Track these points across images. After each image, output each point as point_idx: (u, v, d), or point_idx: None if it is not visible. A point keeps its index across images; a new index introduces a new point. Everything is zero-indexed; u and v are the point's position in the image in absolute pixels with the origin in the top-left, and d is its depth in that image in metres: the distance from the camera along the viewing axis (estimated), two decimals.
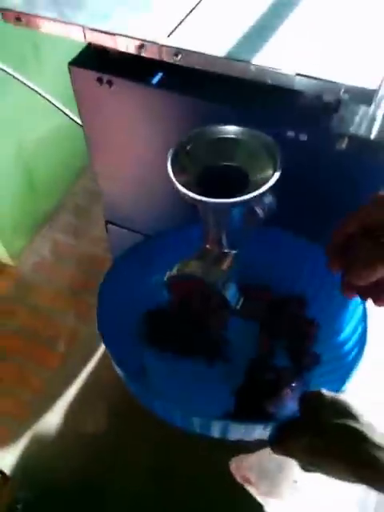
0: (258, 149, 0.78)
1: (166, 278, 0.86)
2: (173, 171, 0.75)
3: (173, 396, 0.92)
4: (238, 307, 0.87)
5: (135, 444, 1.20)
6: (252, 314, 1.09)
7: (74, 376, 1.54)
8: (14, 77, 1.28)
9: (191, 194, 0.71)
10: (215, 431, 0.86)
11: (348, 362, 0.90)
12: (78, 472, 1.25)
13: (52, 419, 1.42)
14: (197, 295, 0.88)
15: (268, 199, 0.93)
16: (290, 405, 0.91)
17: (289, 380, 0.97)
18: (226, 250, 0.87)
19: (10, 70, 1.27)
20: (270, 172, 0.76)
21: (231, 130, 0.78)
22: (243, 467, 0.99)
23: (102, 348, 1.54)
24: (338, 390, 0.81)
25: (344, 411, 0.66)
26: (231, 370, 1.02)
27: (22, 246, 1.94)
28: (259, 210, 0.93)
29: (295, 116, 0.85)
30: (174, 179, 0.72)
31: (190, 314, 0.93)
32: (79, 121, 1.20)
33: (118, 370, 0.88)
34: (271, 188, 0.91)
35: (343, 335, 1.00)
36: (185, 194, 0.73)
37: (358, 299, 0.94)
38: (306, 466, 0.71)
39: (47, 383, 1.54)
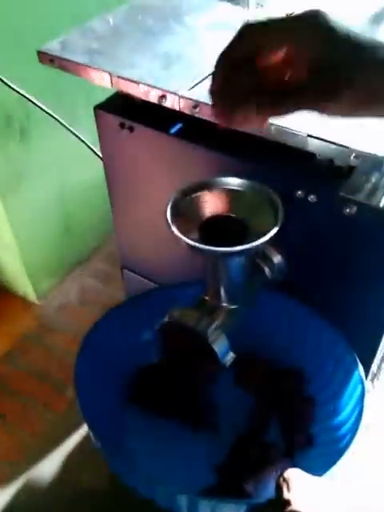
0: (261, 203, 0.78)
1: (157, 325, 0.86)
2: (173, 217, 0.76)
3: (152, 467, 0.90)
4: (228, 364, 0.84)
5: (132, 506, 1.16)
6: (247, 385, 1.07)
7: (79, 424, 1.52)
8: (63, 125, 1.33)
9: (184, 239, 0.72)
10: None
11: (342, 447, 0.85)
12: None
13: (49, 467, 1.40)
14: (187, 345, 0.86)
15: (277, 259, 0.93)
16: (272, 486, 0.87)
17: (276, 459, 0.93)
18: (223, 304, 0.86)
19: (59, 118, 1.32)
20: (272, 226, 0.76)
21: (236, 182, 0.79)
22: None
23: None
24: (324, 472, 0.77)
25: None
26: (217, 440, 0.99)
27: (50, 287, 1.97)
28: (266, 269, 0.93)
29: (306, 177, 0.85)
30: (170, 222, 0.73)
31: (178, 363, 0.91)
32: None
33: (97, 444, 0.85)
34: (278, 248, 0.92)
35: (341, 417, 0.95)
36: (180, 239, 0.73)
37: (357, 378, 0.91)
38: None
39: (50, 427, 1.53)
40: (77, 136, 1.36)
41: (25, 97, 1.27)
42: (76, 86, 1.63)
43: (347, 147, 0.76)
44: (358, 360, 0.93)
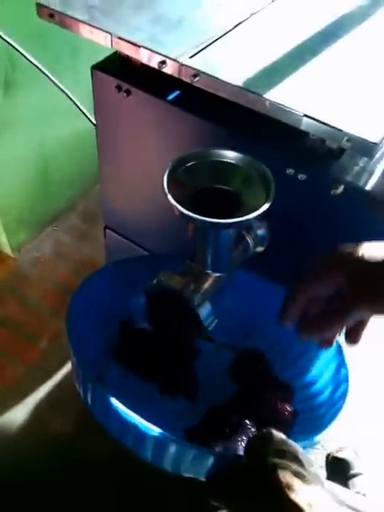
0: (254, 177, 0.80)
1: (146, 287, 0.88)
2: (169, 184, 0.77)
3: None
4: (210, 328, 0.88)
5: (98, 451, 1.20)
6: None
7: (50, 375, 1.56)
8: (47, 76, 1.32)
9: (180, 208, 0.73)
10: (161, 455, 0.86)
11: (322, 425, 0.88)
12: (35, 468, 1.26)
13: (19, 414, 1.44)
14: (172, 309, 0.89)
15: (260, 231, 0.96)
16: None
17: (247, 431, 0.95)
18: (209, 271, 0.89)
19: (44, 69, 1.31)
20: (263, 202, 0.78)
21: (231, 155, 0.81)
22: None
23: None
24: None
25: (291, 457, 0.63)
26: (192, 409, 1.01)
27: (25, 240, 1.97)
28: (250, 240, 0.96)
29: (298, 155, 0.87)
30: (166, 190, 0.75)
31: (163, 326, 0.94)
32: None
33: (78, 375, 0.87)
34: (264, 221, 0.95)
35: (320, 398, 0.99)
36: (175, 207, 0.75)
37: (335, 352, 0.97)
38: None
39: (22, 377, 1.56)
40: (62, 90, 1.36)
41: (12, 46, 1.26)
42: (62, 41, 1.61)
43: (340, 130, 0.78)
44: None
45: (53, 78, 1.34)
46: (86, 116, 1.36)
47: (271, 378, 1.06)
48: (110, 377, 1.02)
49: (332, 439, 1.26)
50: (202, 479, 0.85)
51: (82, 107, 1.38)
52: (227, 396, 1.04)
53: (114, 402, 0.79)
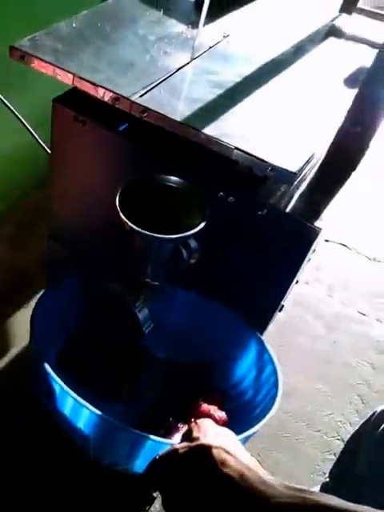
0: (191, 199, 0.95)
1: (91, 292, 1.01)
2: (120, 203, 0.91)
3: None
4: (147, 332, 1.01)
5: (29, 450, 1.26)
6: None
7: None
8: None
9: (130, 224, 0.88)
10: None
11: (255, 421, 1.01)
12: None
13: None
14: (114, 314, 1.02)
15: (193, 244, 1.10)
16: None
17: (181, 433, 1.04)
18: (148, 280, 1.02)
19: None
20: (199, 221, 0.93)
21: (173, 180, 0.96)
22: None
23: (5, 360, 1.61)
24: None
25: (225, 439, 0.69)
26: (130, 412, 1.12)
27: None
28: (185, 253, 1.10)
29: (229, 181, 1.02)
30: (118, 208, 0.88)
31: (105, 331, 1.07)
32: (45, 146, 1.36)
33: (43, 365, 0.97)
34: (196, 237, 1.09)
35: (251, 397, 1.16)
36: (125, 223, 0.89)
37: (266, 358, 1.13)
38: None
39: None
40: (12, 111, 1.46)
41: None
42: (11, 67, 1.72)
43: (265, 161, 0.93)
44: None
45: (2, 98, 1.44)
46: (35, 137, 1.46)
47: (205, 386, 1.21)
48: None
49: None
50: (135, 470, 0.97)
51: (28, 126, 1.49)
52: (165, 402, 1.17)
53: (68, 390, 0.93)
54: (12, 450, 1.26)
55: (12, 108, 1.45)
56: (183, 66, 1.12)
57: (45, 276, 1.57)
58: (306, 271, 1.81)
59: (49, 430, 1.14)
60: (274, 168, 0.93)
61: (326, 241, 1.99)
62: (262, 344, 1.16)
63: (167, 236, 0.89)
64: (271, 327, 1.26)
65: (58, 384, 0.95)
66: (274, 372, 1.11)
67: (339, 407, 1.49)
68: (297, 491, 0.58)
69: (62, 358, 1.17)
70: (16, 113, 1.46)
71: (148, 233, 0.87)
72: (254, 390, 1.17)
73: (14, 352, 1.49)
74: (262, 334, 1.19)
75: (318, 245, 1.89)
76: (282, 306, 1.22)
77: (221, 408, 1.14)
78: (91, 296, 1.06)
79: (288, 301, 1.26)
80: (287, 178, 0.93)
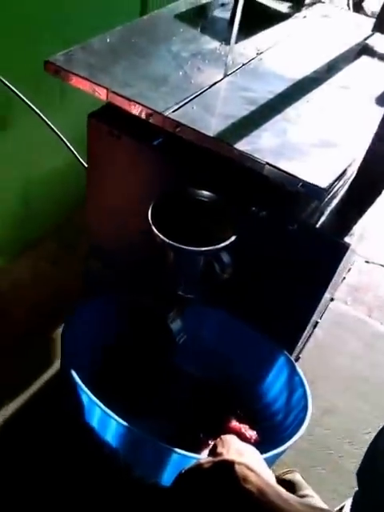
0: (222, 214, 0.96)
1: (125, 304, 1.03)
2: (152, 216, 0.92)
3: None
4: (180, 342, 1.03)
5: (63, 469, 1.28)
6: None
7: (17, 394, 1.64)
8: (39, 115, 1.47)
9: (161, 236, 0.89)
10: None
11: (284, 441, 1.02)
12: None
13: None
14: (149, 326, 1.03)
15: (226, 259, 1.11)
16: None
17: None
18: (181, 293, 1.04)
19: (36, 109, 1.46)
20: (230, 235, 0.94)
21: (205, 194, 0.97)
22: None
23: (50, 373, 1.65)
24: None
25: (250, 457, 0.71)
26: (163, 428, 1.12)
27: (4, 264, 2.07)
28: (217, 267, 1.11)
29: (261, 196, 1.03)
30: (151, 221, 0.90)
31: (141, 338, 1.08)
32: (84, 162, 1.39)
33: (73, 377, 0.99)
34: (229, 252, 1.10)
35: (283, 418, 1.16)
36: (157, 236, 0.90)
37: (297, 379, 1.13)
38: None
39: None
40: (52, 129, 1.50)
41: (8, 87, 1.39)
42: (52, 85, 1.76)
43: (296, 177, 0.94)
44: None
45: (44, 117, 1.48)
46: (74, 154, 1.51)
47: (237, 405, 1.21)
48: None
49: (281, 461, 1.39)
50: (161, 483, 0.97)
51: (69, 145, 1.52)
52: (196, 418, 1.18)
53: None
54: (46, 462, 1.28)
55: (52, 126, 1.49)
56: (216, 83, 1.13)
57: (84, 292, 1.61)
58: (345, 291, 1.86)
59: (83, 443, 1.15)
60: (305, 184, 0.93)
61: (367, 262, 2.01)
62: (292, 366, 1.16)
63: (197, 248, 0.90)
64: (311, 345, 1.27)
65: (86, 395, 0.96)
66: (305, 395, 1.11)
67: (379, 425, 1.49)
68: (312, 509, 0.60)
69: (96, 370, 1.20)
70: (56, 131, 1.50)
71: (178, 245, 0.89)
72: (285, 412, 1.18)
73: (57, 365, 1.54)
74: (293, 349, 1.20)
75: (357, 265, 1.92)
76: (317, 323, 1.21)
77: (251, 427, 1.16)
78: (125, 309, 1.07)
79: (328, 320, 1.27)
80: (318, 194, 0.94)
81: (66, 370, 1.01)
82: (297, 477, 1.49)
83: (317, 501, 1.27)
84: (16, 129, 1.74)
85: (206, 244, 0.93)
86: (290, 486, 1.46)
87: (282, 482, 1.47)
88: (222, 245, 0.90)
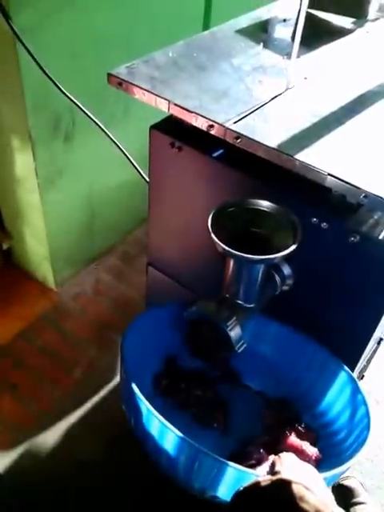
0: (284, 224, 0.96)
1: (186, 313, 1.03)
2: (212, 225, 0.93)
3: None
4: (240, 351, 1.02)
5: (124, 478, 1.30)
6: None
7: (82, 403, 1.68)
8: (103, 130, 1.51)
9: (221, 245, 0.89)
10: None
11: (345, 459, 1.00)
12: (62, 491, 1.37)
13: (51, 436, 1.56)
14: (208, 333, 1.03)
15: (286, 270, 1.10)
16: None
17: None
18: (240, 301, 1.04)
19: (100, 124, 1.50)
20: (290, 244, 0.93)
21: (266, 204, 0.97)
22: None
23: (113, 383, 1.69)
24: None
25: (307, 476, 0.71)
26: (222, 441, 1.13)
27: (68, 276, 2.13)
28: (277, 278, 1.10)
29: (322, 207, 1.02)
30: (210, 229, 0.90)
31: (199, 345, 1.08)
32: (146, 178, 1.41)
33: (131, 387, 0.99)
34: (290, 263, 1.09)
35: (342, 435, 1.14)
36: (217, 244, 0.91)
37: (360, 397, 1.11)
38: None
39: (57, 403, 1.68)
40: (116, 144, 1.54)
41: (75, 103, 1.44)
42: (116, 99, 1.81)
43: (359, 187, 0.93)
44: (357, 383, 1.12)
45: (108, 133, 1.52)
46: (136, 168, 1.54)
47: (298, 422, 1.19)
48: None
49: None
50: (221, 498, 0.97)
51: (132, 160, 1.56)
52: (257, 433, 1.17)
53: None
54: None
55: (116, 141, 1.53)
56: (277, 96, 1.13)
57: (146, 303, 1.63)
58: None
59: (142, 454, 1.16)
60: (368, 195, 0.92)
61: None
62: (355, 384, 1.13)
63: (255, 256, 0.90)
64: (378, 360, 1.24)
65: (145, 405, 0.96)
66: (367, 414, 1.08)
67: None
68: None
69: (158, 381, 1.21)
70: (120, 146, 1.54)
71: (237, 253, 0.89)
72: (347, 430, 1.14)
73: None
74: (354, 365, 1.16)
75: None
76: (381, 340, 1.19)
77: (313, 444, 1.13)
78: (186, 319, 1.07)
79: None
80: (381, 205, 0.92)
81: (126, 379, 1.02)
82: (354, 483, 1.46)
83: (372, 509, 1.23)
84: (81, 143, 1.79)
85: (266, 254, 0.92)
86: (348, 492, 1.44)
87: (339, 487, 1.45)
88: (281, 254, 0.90)
